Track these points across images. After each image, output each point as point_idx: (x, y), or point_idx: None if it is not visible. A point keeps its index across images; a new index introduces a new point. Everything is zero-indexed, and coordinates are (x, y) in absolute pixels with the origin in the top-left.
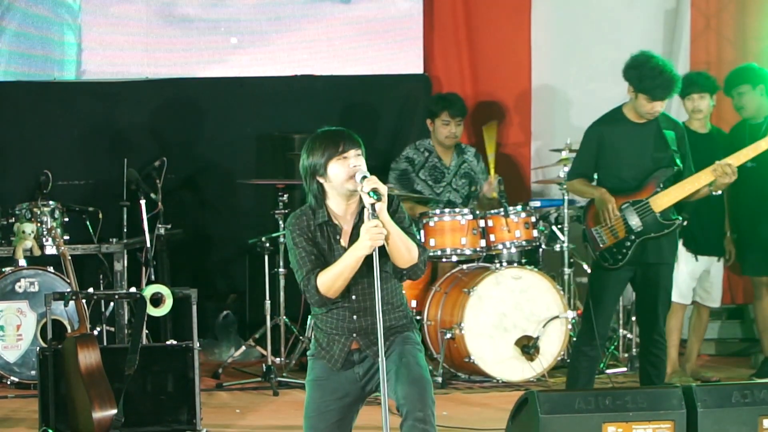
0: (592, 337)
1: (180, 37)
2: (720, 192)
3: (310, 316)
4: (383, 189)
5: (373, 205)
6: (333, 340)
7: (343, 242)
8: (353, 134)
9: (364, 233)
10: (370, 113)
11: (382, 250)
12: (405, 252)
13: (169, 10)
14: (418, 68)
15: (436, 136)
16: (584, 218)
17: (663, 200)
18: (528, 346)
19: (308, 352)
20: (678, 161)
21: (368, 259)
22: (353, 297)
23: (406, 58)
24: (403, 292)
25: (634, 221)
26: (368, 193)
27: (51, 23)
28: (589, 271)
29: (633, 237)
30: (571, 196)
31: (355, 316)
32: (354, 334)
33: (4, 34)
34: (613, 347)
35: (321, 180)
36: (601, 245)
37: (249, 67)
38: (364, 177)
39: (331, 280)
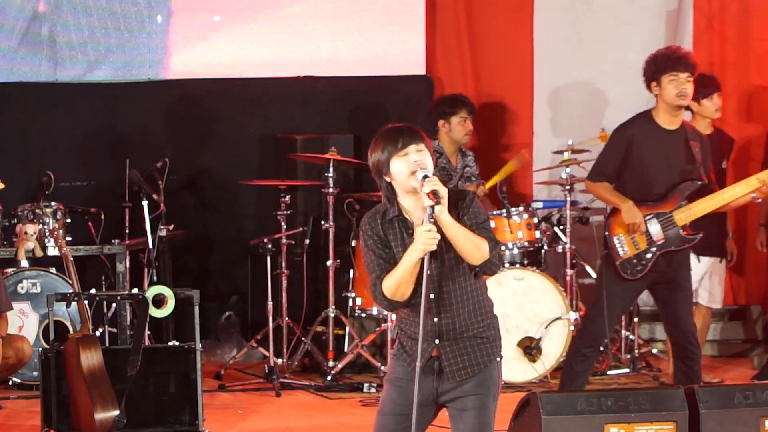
0: (592, 339)
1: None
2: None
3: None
4: (443, 191)
5: (432, 207)
6: (416, 344)
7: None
8: (414, 129)
9: (417, 237)
10: (373, 114)
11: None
12: (473, 249)
13: None
14: (420, 69)
15: (452, 135)
16: (606, 225)
17: (687, 213)
18: (530, 347)
19: (391, 352)
20: (705, 174)
21: (441, 255)
22: (431, 296)
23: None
24: (489, 296)
25: (657, 234)
26: (427, 195)
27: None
28: (594, 273)
29: (654, 249)
30: (582, 196)
31: (435, 318)
32: (436, 340)
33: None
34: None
35: (387, 179)
36: (622, 255)
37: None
38: (426, 176)
39: (395, 285)
